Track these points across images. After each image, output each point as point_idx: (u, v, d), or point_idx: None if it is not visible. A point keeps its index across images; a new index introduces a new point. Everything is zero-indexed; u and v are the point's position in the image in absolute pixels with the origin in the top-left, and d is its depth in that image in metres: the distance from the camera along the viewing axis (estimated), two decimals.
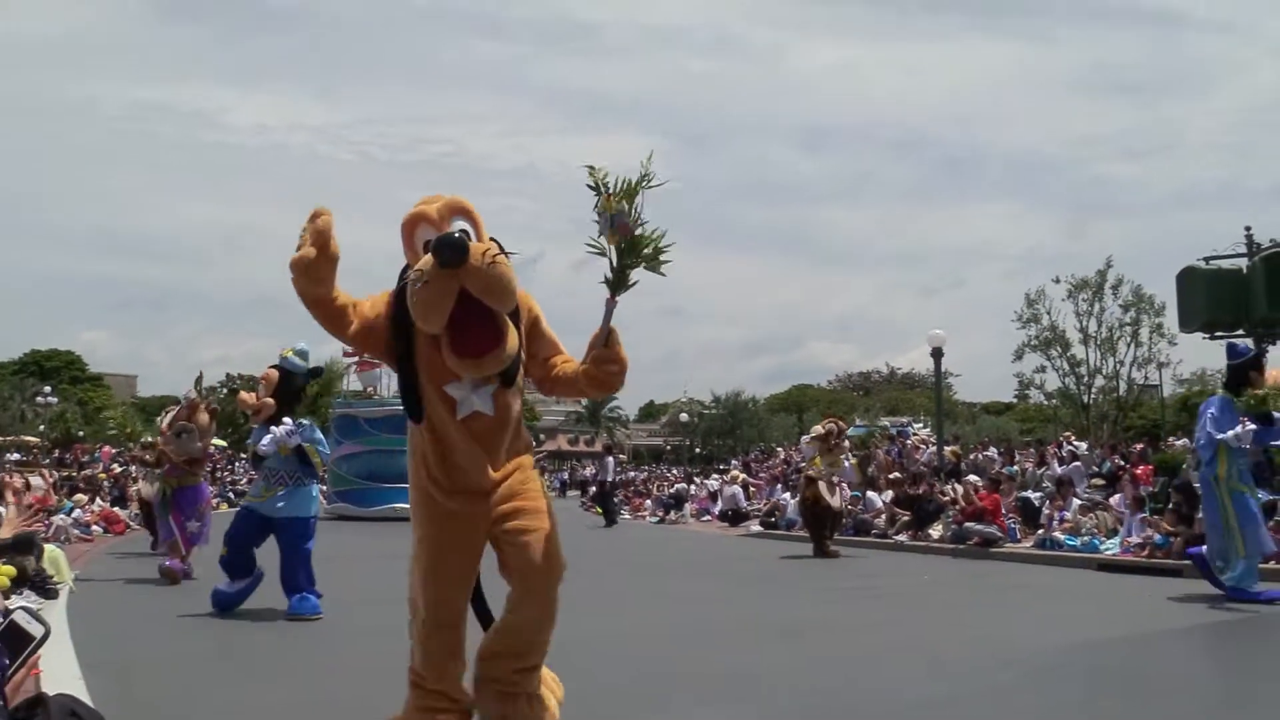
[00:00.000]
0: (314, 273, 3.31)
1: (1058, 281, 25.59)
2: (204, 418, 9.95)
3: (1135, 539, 11.94)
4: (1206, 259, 19.54)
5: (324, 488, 19.87)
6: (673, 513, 25.44)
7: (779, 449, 36.07)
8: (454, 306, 3.19)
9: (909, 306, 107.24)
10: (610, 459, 24.65)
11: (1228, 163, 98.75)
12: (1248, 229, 19.32)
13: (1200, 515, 11.42)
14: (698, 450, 58.87)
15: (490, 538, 3.53)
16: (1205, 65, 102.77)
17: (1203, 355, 58.57)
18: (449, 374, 3.35)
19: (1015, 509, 14.82)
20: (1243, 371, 8.45)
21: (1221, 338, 20.03)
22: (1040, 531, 13.64)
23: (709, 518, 23.84)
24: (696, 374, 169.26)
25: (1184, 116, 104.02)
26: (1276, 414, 8.05)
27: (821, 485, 13.87)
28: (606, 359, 3.52)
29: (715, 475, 30.73)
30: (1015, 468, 18.85)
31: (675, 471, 40.07)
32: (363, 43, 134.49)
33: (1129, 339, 25.53)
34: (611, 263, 3.45)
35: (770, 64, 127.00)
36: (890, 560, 13.57)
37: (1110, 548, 12.30)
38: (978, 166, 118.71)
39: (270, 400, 7.43)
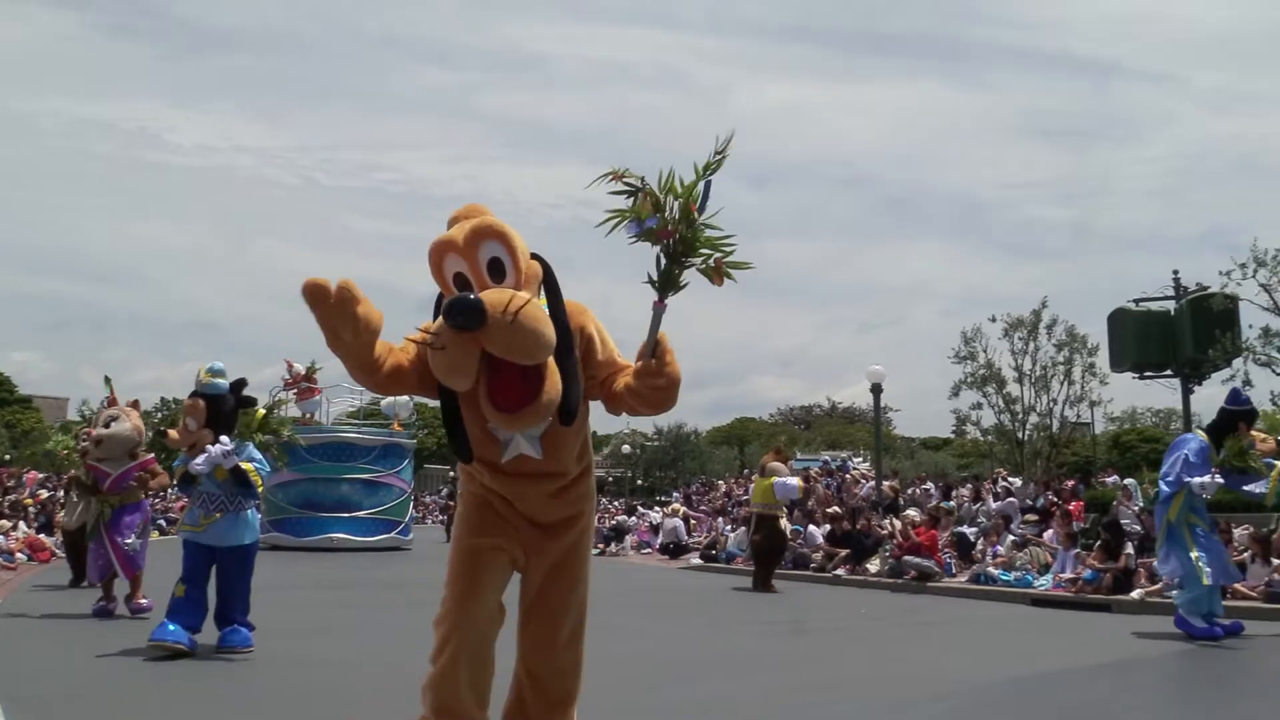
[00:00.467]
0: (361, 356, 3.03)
1: (994, 320, 26.06)
2: (133, 413, 9.11)
3: (1067, 574, 12.17)
4: (1136, 301, 20.15)
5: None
6: (613, 545, 25.35)
7: (720, 482, 36.15)
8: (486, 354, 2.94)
9: (850, 342, 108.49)
10: None
11: (1157, 209, 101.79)
12: (1175, 273, 19.96)
13: (1129, 552, 11.71)
14: (640, 482, 58.78)
15: (524, 572, 3.43)
16: (1136, 114, 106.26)
17: (1133, 394, 60.13)
18: None
19: (952, 544, 15.02)
20: (1235, 419, 8.46)
21: (1151, 377, 20.64)
22: (975, 566, 13.85)
23: (649, 550, 23.80)
24: None
25: (1115, 163, 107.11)
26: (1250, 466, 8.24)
27: (782, 521, 13.97)
28: (652, 373, 3.15)
29: (656, 507, 30.70)
30: (952, 503, 19.13)
31: (616, 503, 39.97)
32: (310, 67, 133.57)
33: (1062, 377, 26.03)
34: (659, 259, 3.09)
35: (717, 101, 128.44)
36: (828, 594, 13.66)
37: (1043, 583, 12.52)
38: (918, 206, 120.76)
39: (205, 432, 6.86)
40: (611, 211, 3.08)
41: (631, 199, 3.05)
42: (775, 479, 13.72)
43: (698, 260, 3.08)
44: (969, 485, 22.03)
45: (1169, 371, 19.89)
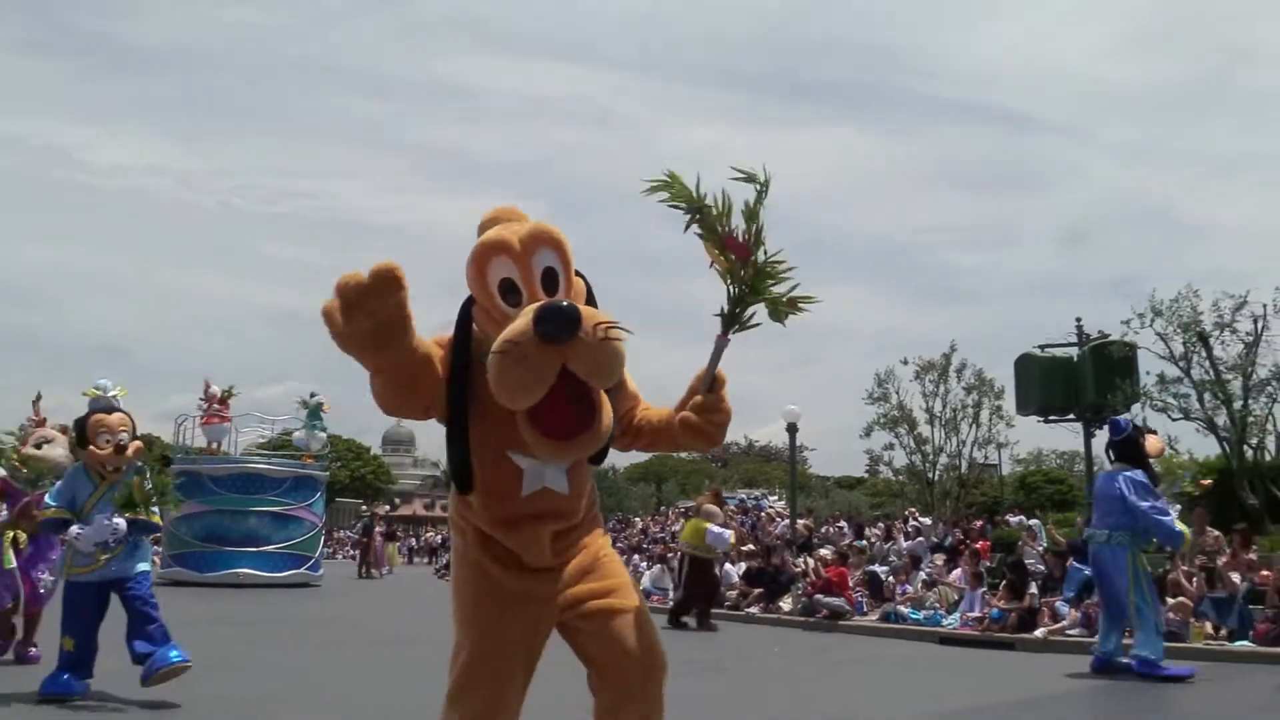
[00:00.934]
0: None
1: (906, 363, 26.68)
2: (63, 437, 7.93)
3: (974, 613, 12.41)
4: (1042, 347, 20.82)
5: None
6: None
7: (637, 519, 36.08)
8: None
9: (768, 381, 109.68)
10: None
11: (1063, 257, 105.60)
12: (1078, 320, 20.68)
13: (1033, 592, 11.99)
14: None
15: (562, 626, 2.93)
16: (1046, 165, 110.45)
17: (1038, 437, 62.04)
18: (518, 438, 2.63)
19: (863, 582, 15.21)
20: (1134, 443, 8.65)
21: (1055, 421, 21.29)
22: (886, 605, 14.04)
23: None
24: None
25: (1024, 211, 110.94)
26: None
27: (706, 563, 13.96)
28: (711, 407, 2.92)
29: None
30: (864, 541, 19.38)
31: None
32: (233, 90, 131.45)
33: (971, 419, 26.75)
34: (728, 291, 2.88)
35: (642, 140, 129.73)
36: (743, 632, 13.69)
37: (951, 621, 12.75)
38: (837, 249, 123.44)
39: (139, 442, 6.48)
40: (657, 183, 2.82)
41: (689, 217, 2.83)
42: (709, 527, 13.74)
43: (768, 295, 2.87)
44: (881, 524, 22.38)
45: (1072, 415, 20.54)
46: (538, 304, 2.50)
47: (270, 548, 21.37)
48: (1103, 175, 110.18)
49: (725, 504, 16.40)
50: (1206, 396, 17.52)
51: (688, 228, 2.87)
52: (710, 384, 2.92)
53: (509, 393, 2.48)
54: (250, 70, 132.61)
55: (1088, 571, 11.95)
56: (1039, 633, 11.25)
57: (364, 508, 45.94)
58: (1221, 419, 17.44)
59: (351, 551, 31.89)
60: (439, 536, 50.14)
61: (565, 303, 2.49)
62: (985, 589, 12.95)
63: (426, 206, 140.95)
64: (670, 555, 17.55)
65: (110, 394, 6.60)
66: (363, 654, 9.54)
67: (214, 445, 22.19)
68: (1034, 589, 12.09)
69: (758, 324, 2.92)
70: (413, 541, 49.90)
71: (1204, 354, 17.38)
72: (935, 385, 26.47)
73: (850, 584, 14.85)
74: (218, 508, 20.94)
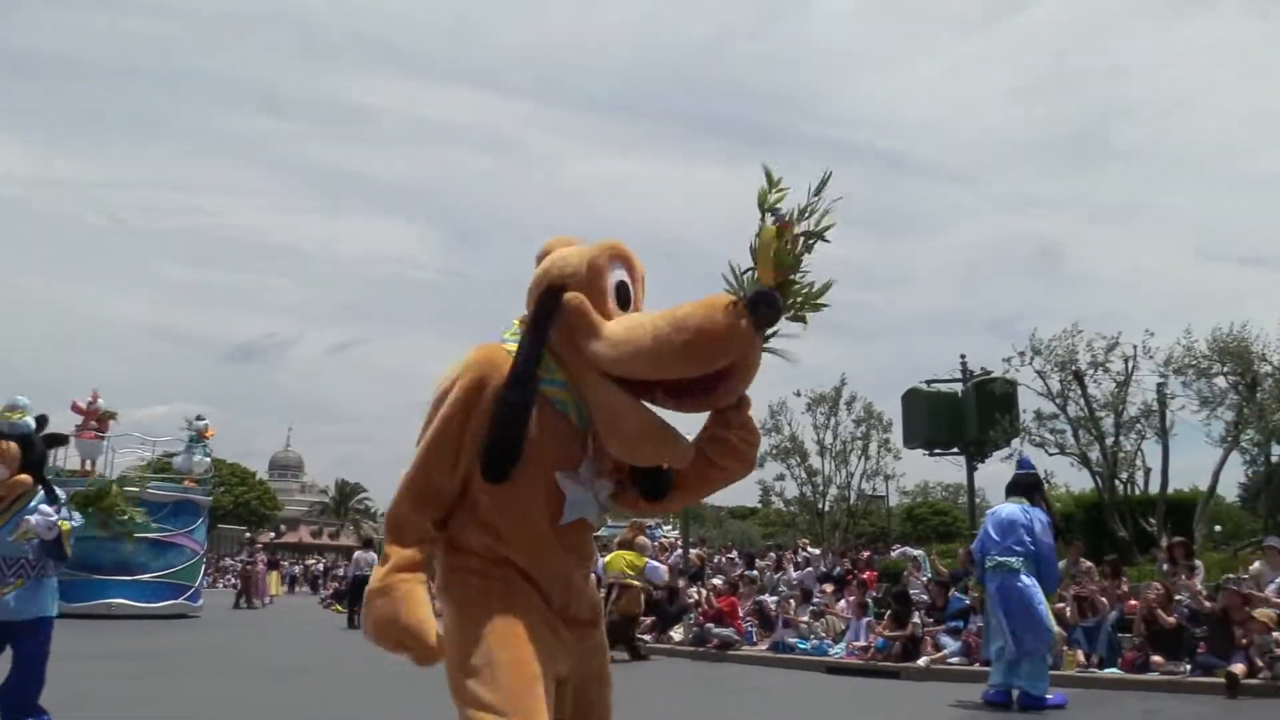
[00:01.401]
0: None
1: (798, 395, 27.14)
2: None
3: (860, 642, 12.64)
4: (928, 382, 21.46)
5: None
6: None
7: None
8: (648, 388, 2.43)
9: (664, 411, 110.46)
10: (372, 554, 22.58)
11: (948, 296, 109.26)
12: (963, 357, 21.39)
13: (916, 621, 12.26)
14: None
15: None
16: (936, 207, 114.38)
17: (924, 470, 63.74)
18: (567, 459, 2.47)
19: (753, 612, 15.35)
20: (1039, 483, 9.05)
21: (940, 454, 21.93)
22: (775, 634, 14.18)
23: None
24: None
25: (914, 251, 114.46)
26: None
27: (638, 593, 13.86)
28: (741, 423, 2.61)
29: None
30: (755, 571, 19.57)
31: None
32: (129, 101, 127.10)
33: (860, 452, 27.32)
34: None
35: (548, 169, 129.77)
36: (634, 663, 13.65)
37: (838, 651, 12.95)
38: None
39: (24, 477, 5.61)
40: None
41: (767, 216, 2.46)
42: (648, 562, 14.00)
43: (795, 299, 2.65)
44: (772, 554, 22.63)
45: (956, 449, 21.19)
46: (759, 288, 2.25)
47: (146, 576, 20.47)
48: (989, 219, 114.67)
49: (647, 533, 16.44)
50: (1081, 432, 18.26)
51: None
52: (736, 401, 2.59)
53: (738, 381, 2.40)
54: (147, 81, 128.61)
55: (968, 601, 12.32)
56: (922, 661, 11.51)
57: (248, 534, 44.44)
58: (1095, 454, 18.20)
59: (233, 581, 30.41)
60: (321, 565, 48.86)
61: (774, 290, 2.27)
62: (870, 618, 13.20)
63: (320, 227, 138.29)
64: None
65: (26, 416, 5.81)
66: (245, 687, 9.22)
67: (86, 464, 21.20)
68: (917, 618, 12.37)
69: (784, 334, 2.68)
70: (296, 569, 48.39)
71: (1079, 392, 18.14)
72: (826, 418, 26.99)
73: (740, 614, 14.97)
74: (90, 533, 19.99)
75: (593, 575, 2.86)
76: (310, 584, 44.43)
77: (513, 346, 2.50)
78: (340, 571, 41.78)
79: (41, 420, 6.01)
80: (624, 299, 2.57)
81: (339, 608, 27.81)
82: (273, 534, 48.15)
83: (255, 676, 10.17)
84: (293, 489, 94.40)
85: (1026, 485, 8.89)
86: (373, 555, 21.61)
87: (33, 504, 5.64)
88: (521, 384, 2.39)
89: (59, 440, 6.10)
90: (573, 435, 2.49)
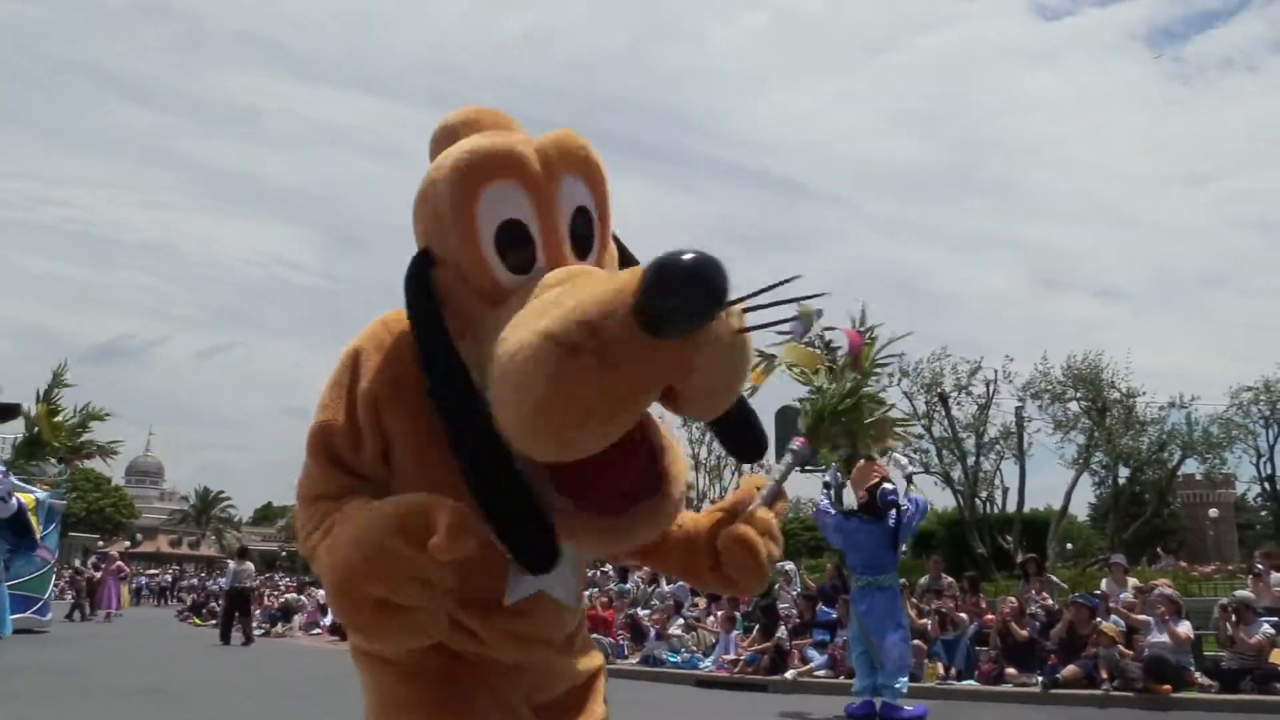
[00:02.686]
0: None
1: None
2: None
3: (729, 655, 12.77)
4: (801, 400, 21.94)
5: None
6: (280, 625, 23.82)
7: None
8: None
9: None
10: (249, 564, 20.96)
11: (827, 316, 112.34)
12: None
13: (781, 635, 12.46)
14: None
15: None
16: (816, 230, 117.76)
17: (795, 485, 65.05)
18: None
19: (626, 626, 15.36)
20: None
21: (810, 470, 22.39)
22: (645, 648, 14.22)
23: (319, 631, 22.54)
24: None
25: (793, 271, 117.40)
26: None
27: None
28: (769, 529, 1.97)
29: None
30: (628, 585, 19.60)
31: (287, 580, 37.58)
32: None
33: (734, 466, 27.76)
34: (821, 396, 2.36)
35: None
36: None
37: (708, 664, 13.05)
38: None
39: None
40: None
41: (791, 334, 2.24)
42: None
43: (862, 417, 2.32)
44: (644, 569, 22.69)
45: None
46: (661, 259, 1.29)
47: None
48: (865, 244, 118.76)
49: None
50: (944, 452, 18.96)
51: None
52: (773, 498, 2.07)
53: (559, 430, 1.34)
54: (8, 68, 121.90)
55: (834, 614, 12.59)
56: (789, 674, 11.70)
57: (100, 542, 42.32)
58: (957, 473, 18.92)
59: (69, 591, 28.01)
60: (168, 576, 46.83)
61: (705, 254, 1.28)
62: (739, 632, 13.35)
63: (201, 226, 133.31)
64: None
65: None
66: (116, 712, 8.76)
67: None
68: (783, 632, 12.57)
69: (839, 448, 2.49)
70: (143, 580, 45.98)
71: (944, 413, 18.84)
72: (701, 433, 27.32)
73: (614, 627, 14.97)
74: None
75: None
76: (157, 595, 42.42)
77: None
78: (193, 583, 40.11)
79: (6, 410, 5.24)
80: (518, 241, 1.62)
81: (196, 620, 26.74)
82: (128, 543, 45.93)
83: (124, 698, 9.64)
84: (151, 496, 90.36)
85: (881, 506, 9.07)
86: (249, 565, 20.82)
87: None
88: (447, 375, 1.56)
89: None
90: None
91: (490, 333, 1.48)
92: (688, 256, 1.27)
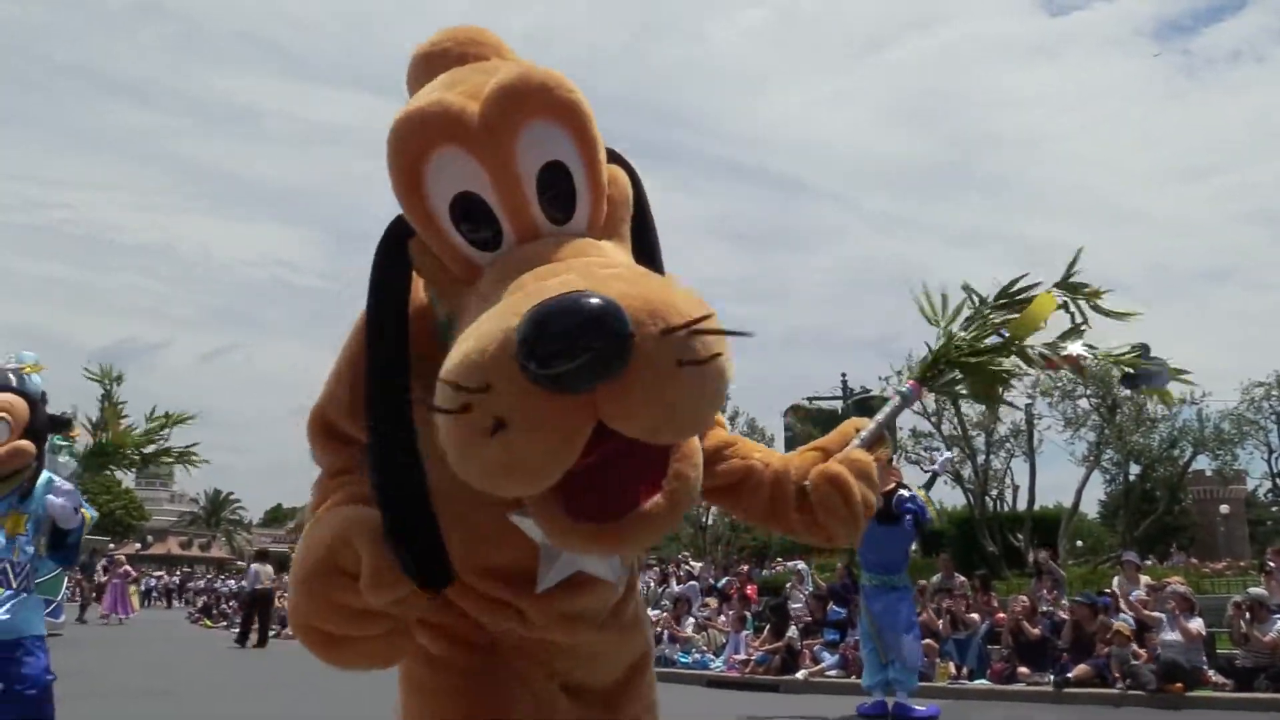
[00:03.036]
0: None
1: None
2: None
3: (740, 656, 12.75)
4: (809, 399, 21.95)
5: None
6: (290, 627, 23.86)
7: None
8: None
9: None
10: (268, 566, 21.28)
11: (828, 313, 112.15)
12: (844, 375, 21.96)
13: (792, 635, 12.44)
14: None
15: None
16: (815, 227, 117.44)
17: None
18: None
19: None
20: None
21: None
22: (656, 648, 14.22)
23: None
24: None
25: (794, 269, 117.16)
26: None
27: None
28: (869, 471, 1.85)
29: None
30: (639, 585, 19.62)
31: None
32: None
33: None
34: (943, 340, 2.21)
35: None
36: None
37: (719, 664, 13.04)
38: None
39: (27, 444, 4.19)
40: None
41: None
42: None
43: (991, 365, 2.17)
44: (655, 569, 22.69)
45: None
46: (536, 308, 1.16)
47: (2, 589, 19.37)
48: (863, 240, 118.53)
49: None
50: (955, 450, 18.92)
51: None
52: (874, 441, 1.95)
53: (490, 482, 1.24)
54: (6, 68, 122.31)
55: (845, 614, 12.57)
56: (800, 674, 11.68)
57: (111, 545, 42.48)
58: (967, 471, 18.87)
59: (77, 594, 27.73)
60: (176, 578, 46.86)
61: (592, 298, 1.15)
62: (749, 632, 13.33)
63: (199, 228, 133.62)
64: None
65: (24, 370, 4.48)
66: (121, 709, 8.79)
67: None
68: (794, 631, 12.55)
69: (960, 391, 2.28)
70: (151, 581, 46.07)
71: (953, 411, 18.79)
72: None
73: None
74: None
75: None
76: (165, 597, 42.43)
77: None
78: (201, 584, 40.12)
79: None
80: (475, 215, 1.40)
81: (207, 622, 26.81)
82: (139, 545, 46.11)
83: (133, 699, 9.66)
84: (161, 498, 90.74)
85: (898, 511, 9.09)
86: (269, 567, 20.91)
87: (41, 482, 4.44)
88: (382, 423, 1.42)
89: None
90: None
91: (471, 316, 1.31)
92: (569, 303, 1.14)
